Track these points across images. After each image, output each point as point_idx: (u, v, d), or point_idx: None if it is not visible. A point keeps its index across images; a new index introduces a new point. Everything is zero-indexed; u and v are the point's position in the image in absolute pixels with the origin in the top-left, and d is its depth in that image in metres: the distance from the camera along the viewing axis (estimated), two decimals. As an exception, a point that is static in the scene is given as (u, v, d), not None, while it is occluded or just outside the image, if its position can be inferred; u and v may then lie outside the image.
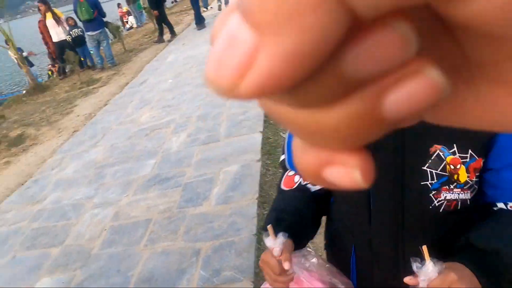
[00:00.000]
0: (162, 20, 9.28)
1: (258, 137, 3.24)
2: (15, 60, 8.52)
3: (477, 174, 0.72)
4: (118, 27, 11.78)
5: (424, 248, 0.63)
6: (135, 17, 15.30)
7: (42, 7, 7.68)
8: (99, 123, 4.79)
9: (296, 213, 0.85)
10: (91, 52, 8.34)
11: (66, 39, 7.81)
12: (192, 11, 11.86)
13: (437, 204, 0.73)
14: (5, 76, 22.09)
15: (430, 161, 0.72)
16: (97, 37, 7.76)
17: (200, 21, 9.13)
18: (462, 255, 0.69)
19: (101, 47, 8.10)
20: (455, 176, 0.71)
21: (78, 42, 7.82)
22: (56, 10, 8.08)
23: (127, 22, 16.89)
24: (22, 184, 3.73)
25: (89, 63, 8.29)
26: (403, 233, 0.77)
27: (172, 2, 24.81)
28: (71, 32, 7.79)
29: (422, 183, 0.73)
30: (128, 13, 16.53)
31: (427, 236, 0.76)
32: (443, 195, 0.73)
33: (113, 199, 2.97)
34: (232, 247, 2.14)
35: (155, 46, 9.05)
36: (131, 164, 3.44)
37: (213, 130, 3.64)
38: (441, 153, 0.71)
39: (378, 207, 0.79)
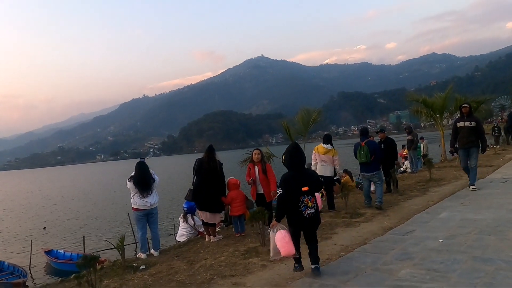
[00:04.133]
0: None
1: None
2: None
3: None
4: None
5: None
6: (411, 162, 15.38)
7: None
8: (354, 260, 4.63)
9: None
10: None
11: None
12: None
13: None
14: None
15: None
16: (369, 177, 8.09)
17: None
18: None
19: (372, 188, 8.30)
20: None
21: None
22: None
23: (403, 164, 17.15)
24: (270, 294, 3.86)
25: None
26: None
27: (452, 154, 23.91)
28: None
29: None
30: (406, 157, 16.83)
31: None
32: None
33: None
34: None
35: (427, 197, 8.59)
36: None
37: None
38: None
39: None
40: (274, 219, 4.24)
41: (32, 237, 16.63)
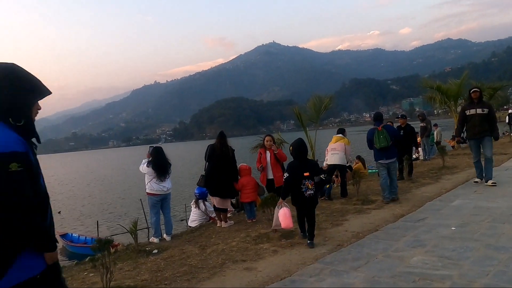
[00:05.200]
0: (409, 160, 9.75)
1: None
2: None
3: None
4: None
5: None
6: (424, 150, 15.22)
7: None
8: (365, 247, 4.64)
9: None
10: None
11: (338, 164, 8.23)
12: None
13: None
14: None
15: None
16: (386, 166, 7.29)
17: None
18: None
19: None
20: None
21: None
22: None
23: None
24: (281, 279, 3.90)
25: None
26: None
27: (459, 143, 23.60)
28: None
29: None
30: (418, 145, 16.63)
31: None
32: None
33: None
34: None
35: (439, 184, 8.51)
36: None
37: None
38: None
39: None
40: (280, 198, 5.21)
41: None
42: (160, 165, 6.54)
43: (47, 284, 2.01)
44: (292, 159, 5.24)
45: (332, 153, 8.24)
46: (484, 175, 7.90)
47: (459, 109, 19.05)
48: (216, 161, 6.76)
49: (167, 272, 4.58)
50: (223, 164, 6.75)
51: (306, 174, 4.96)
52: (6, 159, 1.82)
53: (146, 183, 6.63)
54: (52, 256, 2.01)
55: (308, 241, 4.96)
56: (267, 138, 7.50)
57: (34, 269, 1.94)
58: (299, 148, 5.15)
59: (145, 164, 6.64)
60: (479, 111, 7.67)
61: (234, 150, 6.95)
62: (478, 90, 7.92)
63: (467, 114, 7.83)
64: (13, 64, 2.06)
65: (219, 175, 6.72)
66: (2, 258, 1.85)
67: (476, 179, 8.05)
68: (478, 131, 7.70)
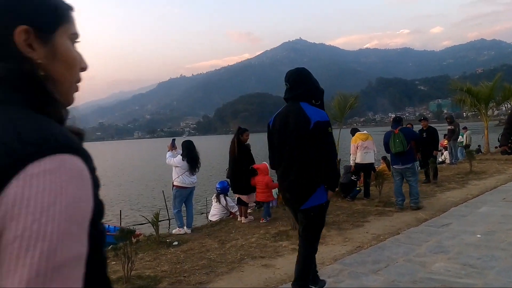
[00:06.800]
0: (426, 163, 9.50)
1: None
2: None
3: None
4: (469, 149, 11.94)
5: None
6: (451, 153, 14.83)
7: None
8: (386, 250, 4.56)
9: None
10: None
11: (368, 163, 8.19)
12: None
13: None
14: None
15: None
16: (402, 171, 6.90)
17: None
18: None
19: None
20: None
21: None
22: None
23: (441, 154, 16.53)
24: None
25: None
26: None
27: (507, 153, 22.80)
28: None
29: None
30: (445, 148, 16.23)
31: None
32: None
33: None
34: None
35: (466, 190, 8.29)
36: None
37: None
38: None
39: None
40: None
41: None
42: (194, 158, 6.63)
43: (324, 211, 3.14)
44: None
45: (366, 151, 8.12)
46: None
47: (489, 112, 18.50)
48: (230, 161, 6.94)
49: (186, 265, 4.64)
50: (232, 163, 6.88)
51: None
52: (327, 125, 2.98)
53: (175, 176, 6.62)
54: (332, 195, 3.09)
55: None
56: None
57: (322, 199, 3.03)
58: None
59: (175, 158, 6.68)
60: None
61: (248, 145, 6.98)
62: None
63: None
64: (303, 67, 3.30)
65: (233, 173, 6.88)
66: (309, 189, 2.99)
67: None
68: None
